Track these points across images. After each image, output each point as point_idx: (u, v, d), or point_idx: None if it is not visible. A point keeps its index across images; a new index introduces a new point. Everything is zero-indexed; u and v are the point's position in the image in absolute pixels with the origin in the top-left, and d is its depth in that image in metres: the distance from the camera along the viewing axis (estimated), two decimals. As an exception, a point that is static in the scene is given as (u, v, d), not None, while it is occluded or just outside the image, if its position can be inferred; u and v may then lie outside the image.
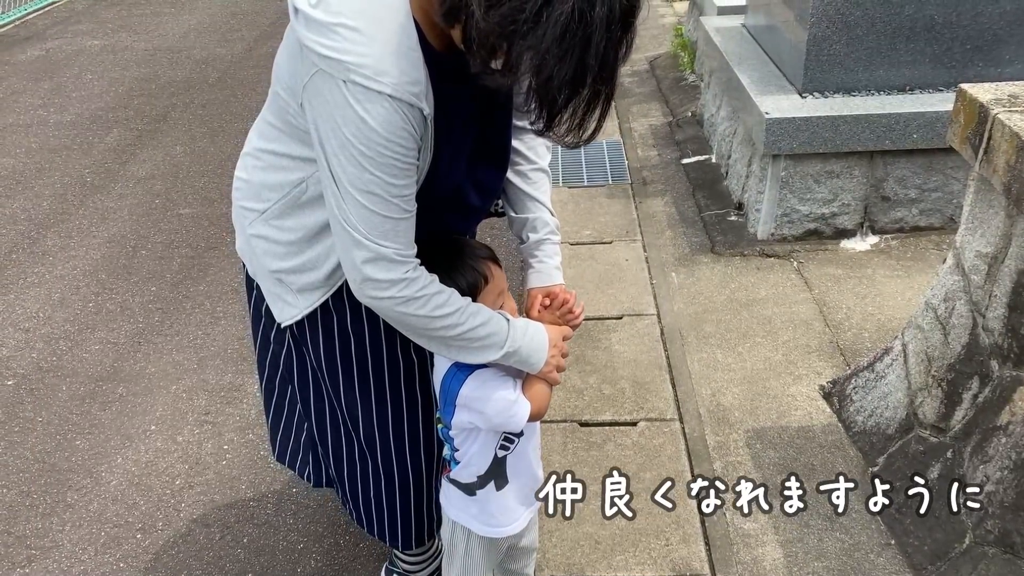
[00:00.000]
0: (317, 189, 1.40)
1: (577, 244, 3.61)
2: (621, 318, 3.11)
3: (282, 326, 1.60)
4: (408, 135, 1.24)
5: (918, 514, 2.03)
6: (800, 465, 2.36)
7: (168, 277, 3.58)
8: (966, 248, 2.09)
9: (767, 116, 3.19)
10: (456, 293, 1.41)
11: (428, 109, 1.26)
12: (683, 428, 2.55)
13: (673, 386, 2.73)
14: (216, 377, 2.93)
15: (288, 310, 1.57)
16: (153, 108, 5.49)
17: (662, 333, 3.00)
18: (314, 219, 1.45)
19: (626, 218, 3.83)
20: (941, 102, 3.16)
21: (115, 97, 5.72)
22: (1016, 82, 2.05)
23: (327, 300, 1.53)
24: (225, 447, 2.60)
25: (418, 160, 1.30)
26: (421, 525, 1.83)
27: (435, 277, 1.39)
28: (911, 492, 2.09)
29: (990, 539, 1.83)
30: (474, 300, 1.46)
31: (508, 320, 1.47)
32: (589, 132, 1.22)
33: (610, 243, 3.63)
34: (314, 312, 1.56)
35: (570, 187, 4.13)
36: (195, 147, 4.86)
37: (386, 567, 2.04)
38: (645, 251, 3.55)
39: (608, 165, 4.36)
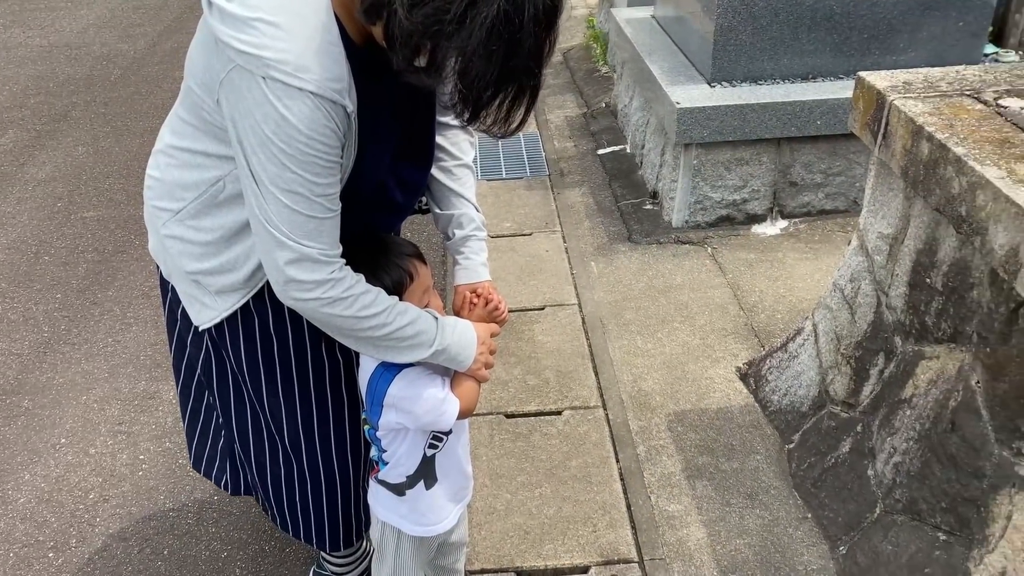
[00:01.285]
0: (235, 187, 1.36)
1: (498, 237, 3.62)
2: (543, 309, 3.13)
3: (200, 329, 1.56)
4: (331, 132, 1.22)
5: (832, 487, 2.12)
6: (720, 445, 2.42)
7: (74, 283, 3.43)
8: (869, 230, 2.17)
9: (678, 106, 3.25)
10: (383, 292, 1.40)
11: (351, 106, 1.24)
12: (607, 415, 2.59)
13: (596, 374, 2.77)
14: (129, 385, 2.83)
15: (206, 312, 1.53)
16: (51, 107, 5.25)
17: (584, 322, 3.04)
18: (232, 218, 1.41)
19: (545, 209, 3.85)
20: (842, 89, 3.28)
21: (9, 96, 5.44)
22: (910, 70, 2.14)
23: (248, 301, 1.50)
24: (141, 457, 2.52)
25: (342, 158, 1.28)
26: (349, 526, 1.81)
27: (361, 277, 1.37)
28: (825, 466, 2.18)
29: (898, 507, 1.92)
30: (400, 298, 1.45)
31: (436, 318, 1.46)
32: (516, 124, 1.23)
33: (530, 235, 3.65)
34: (234, 314, 1.52)
35: (489, 180, 4.13)
36: (99, 147, 4.67)
37: (314, 570, 2.01)
38: (565, 242, 3.58)
39: (526, 157, 4.39)
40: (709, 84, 3.42)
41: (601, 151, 4.39)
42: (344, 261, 1.35)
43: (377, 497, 1.65)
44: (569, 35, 6.13)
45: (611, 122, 4.67)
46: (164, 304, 1.68)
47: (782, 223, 3.50)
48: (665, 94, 3.40)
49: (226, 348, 1.59)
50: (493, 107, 1.18)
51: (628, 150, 4.31)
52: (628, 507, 2.25)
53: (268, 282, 1.46)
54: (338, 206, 1.31)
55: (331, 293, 1.32)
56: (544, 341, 2.94)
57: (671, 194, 3.55)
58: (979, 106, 1.90)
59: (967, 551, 1.72)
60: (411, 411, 1.48)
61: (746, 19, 3.28)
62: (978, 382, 1.72)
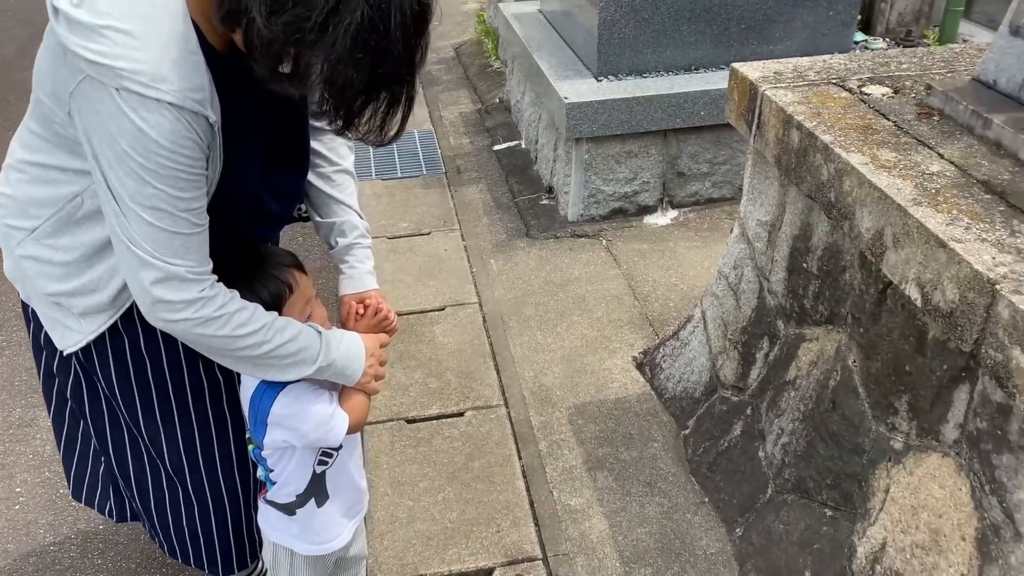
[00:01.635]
0: (94, 203, 1.29)
1: (395, 238, 3.57)
2: (443, 309, 3.11)
3: (65, 353, 1.47)
4: (193, 144, 1.17)
5: (726, 470, 2.17)
6: (619, 436, 2.45)
7: (-61, 308, 3.21)
8: (749, 217, 2.23)
9: (566, 101, 3.27)
10: (260, 309, 1.34)
11: (214, 116, 1.19)
12: (509, 412, 2.58)
13: (498, 372, 2.76)
14: (3, 413, 2.66)
15: (70, 336, 1.44)
16: (-91, 119, 4.89)
17: (484, 320, 3.03)
18: (93, 236, 1.33)
19: (443, 208, 3.82)
20: (723, 80, 3.35)
21: None
22: (781, 60, 2.20)
23: (116, 322, 1.42)
24: (18, 489, 2.37)
25: (207, 170, 1.23)
26: (242, 548, 1.75)
27: (235, 294, 1.32)
28: (719, 450, 2.23)
29: (788, 487, 1.98)
30: (279, 311, 1.40)
31: (320, 332, 1.41)
32: (392, 133, 1.21)
33: (428, 234, 3.62)
34: (101, 336, 1.44)
35: (384, 180, 4.07)
36: (-37, 161, 4.37)
37: (208, 596, 1.94)
38: (463, 240, 3.56)
39: (421, 155, 4.34)
40: (596, 78, 3.45)
41: (497, 147, 4.39)
42: (215, 278, 1.29)
43: (267, 518, 1.60)
44: (461, 30, 6.10)
45: (505, 117, 4.67)
46: (28, 329, 1.58)
47: (672, 213, 3.57)
48: (554, 89, 3.42)
49: (96, 372, 1.51)
50: (365, 116, 1.16)
51: (523, 145, 4.32)
52: (531, 504, 2.25)
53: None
54: (205, 220, 1.26)
55: (202, 312, 1.26)
56: (445, 342, 2.91)
57: (565, 188, 3.58)
58: (844, 94, 1.97)
59: (851, 525, 1.78)
60: (297, 429, 1.44)
61: (628, 12, 3.33)
62: (854, 361, 1.79)
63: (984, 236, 1.40)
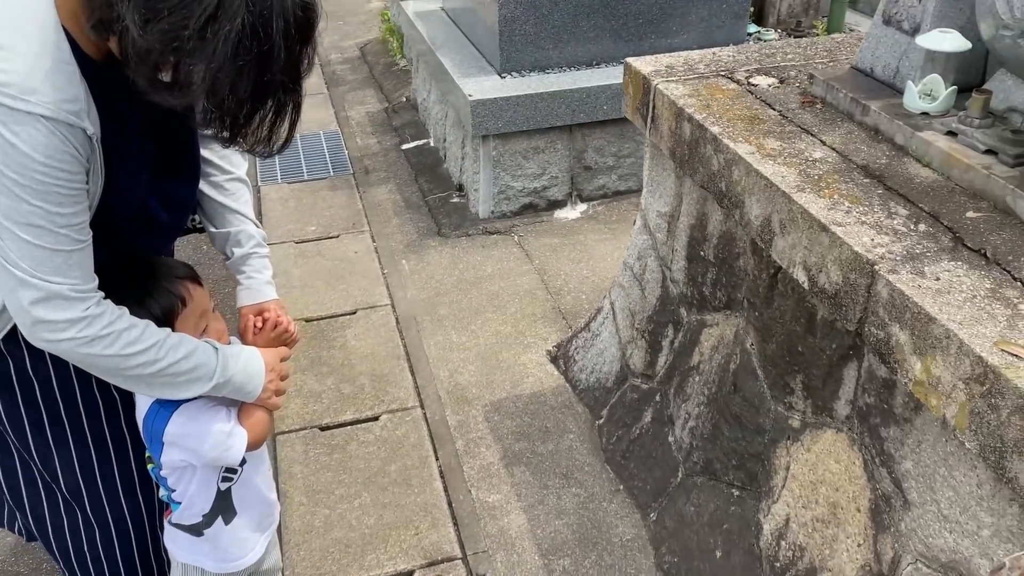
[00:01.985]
0: None
1: (303, 242, 3.50)
2: (355, 313, 3.07)
3: None
4: (71, 158, 1.12)
5: (639, 457, 2.21)
6: (535, 429, 2.47)
7: None
8: (649, 209, 2.28)
9: (471, 98, 3.27)
10: (152, 325, 1.30)
11: (92, 128, 1.14)
12: (425, 413, 2.57)
13: (412, 373, 2.75)
14: None
15: None
16: None
17: (398, 322, 3.00)
18: None
19: (351, 209, 3.77)
20: (623, 74, 3.41)
21: None
22: (673, 54, 2.25)
23: None
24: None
25: (87, 184, 1.18)
26: (149, 568, 1.69)
27: (124, 311, 1.27)
28: (632, 438, 2.27)
29: (697, 469, 2.03)
30: (172, 325, 1.36)
31: (217, 348, 1.38)
32: (280, 143, 1.18)
33: (337, 237, 3.57)
34: None
35: (289, 183, 3.99)
36: None
37: (115, 622, 1.87)
38: (374, 241, 3.52)
39: (328, 156, 4.27)
40: (500, 75, 3.46)
41: (405, 146, 4.35)
42: (101, 295, 1.25)
43: (174, 539, 1.55)
44: (365, 29, 6.03)
45: (413, 116, 4.64)
46: None
47: (581, 207, 3.61)
48: (458, 87, 3.41)
49: None
50: (252, 126, 1.13)
51: (432, 144, 4.30)
52: (449, 504, 2.25)
53: None
54: (88, 235, 1.21)
55: (88, 332, 1.22)
56: (357, 346, 2.88)
57: (475, 186, 3.58)
58: (732, 85, 2.02)
59: (757, 503, 1.84)
60: (194, 449, 1.40)
61: (528, 8, 3.35)
62: (752, 344, 1.85)
63: (863, 219, 1.46)
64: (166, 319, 1.36)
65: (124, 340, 1.25)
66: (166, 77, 1.08)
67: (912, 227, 1.44)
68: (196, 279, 1.45)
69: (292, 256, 3.38)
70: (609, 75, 3.43)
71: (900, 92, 1.76)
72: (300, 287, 3.18)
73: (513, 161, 3.46)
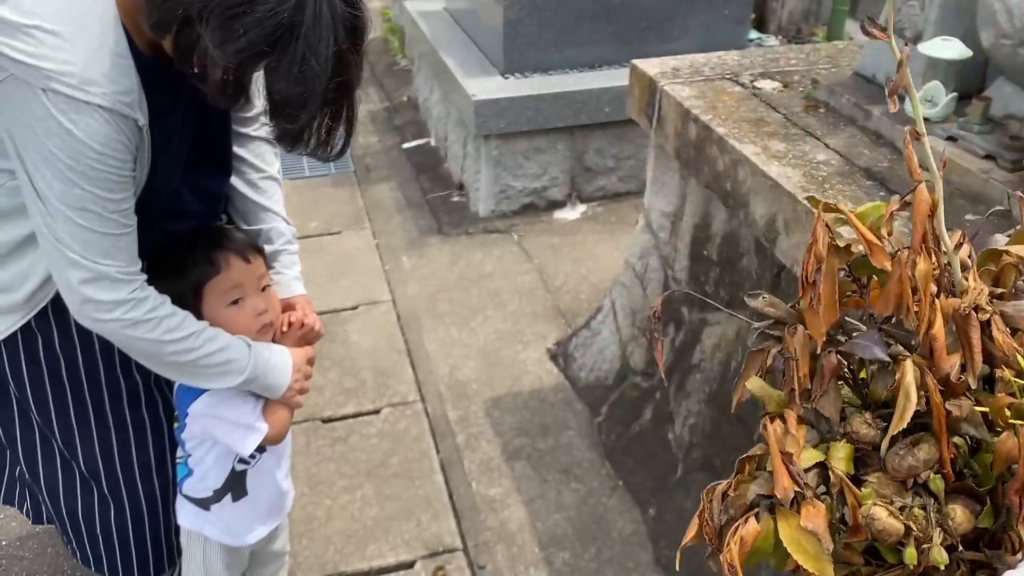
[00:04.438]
0: (9, 201, 1.27)
1: (305, 237, 3.52)
2: (357, 308, 3.09)
3: None
4: (123, 147, 1.17)
5: (638, 454, 2.24)
6: (535, 426, 2.50)
7: None
8: (652, 209, 2.31)
9: (474, 98, 3.30)
10: (191, 316, 1.35)
11: (143, 119, 1.19)
12: (426, 408, 2.60)
13: (413, 368, 2.77)
14: None
15: None
16: None
17: (399, 318, 3.03)
18: (6, 235, 1.31)
19: (353, 206, 3.80)
20: (625, 77, 3.41)
21: None
22: (678, 56, 2.29)
23: (29, 321, 1.39)
24: (-90, 511, 2.25)
25: (134, 171, 1.23)
26: (160, 553, 1.71)
27: (166, 299, 1.32)
28: (631, 435, 2.30)
29: (696, 466, 2.07)
30: (200, 291, 1.40)
31: (250, 345, 1.42)
32: (338, 148, 1.23)
33: (339, 233, 3.59)
34: (13, 336, 1.40)
35: (291, 179, 4.01)
36: None
37: (121, 605, 1.89)
38: (375, 238, 3.55)
39: (329, 155, 4.30)
40: (503, 76, 3.50)
41: (406, 145, 4.38)
42: (145, 278, 1.30)
43: (182, 507, 1.58)
44: (367, 29, 6.06)
45: (414, 115, 4.67)
46: None
47: (581, 207, 3.65)
48: (461, 86, 3.44)
49: (5, 372, 1.47)
50: (313, 130, 1.18)
51: (433, 143, 4.33)
52: (450, 496, 2.27)
53: (51, 300, 1.37)
54: (134, 221, 1.26)
55: (132, 314, 1.27)
56: (359, 341, 2.90)
57: (476, 185, 3.61)
58: (738, 88, 2.06)
59: (755, 498, 1.87)
60: (211, 430, 1.44)
61: (532, 11, 3.38)
62: (753, 343, 1.88)
63: (866, 220, 1.49)
64: (197, 285, 1.39)
65: (165, 326, 1.30)
66: (229, 78, 1.12)
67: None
68: (245, 253, 1.45)
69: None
70: (611, 78, 3.46)
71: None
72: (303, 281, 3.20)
73: (514, 161, 3.49)
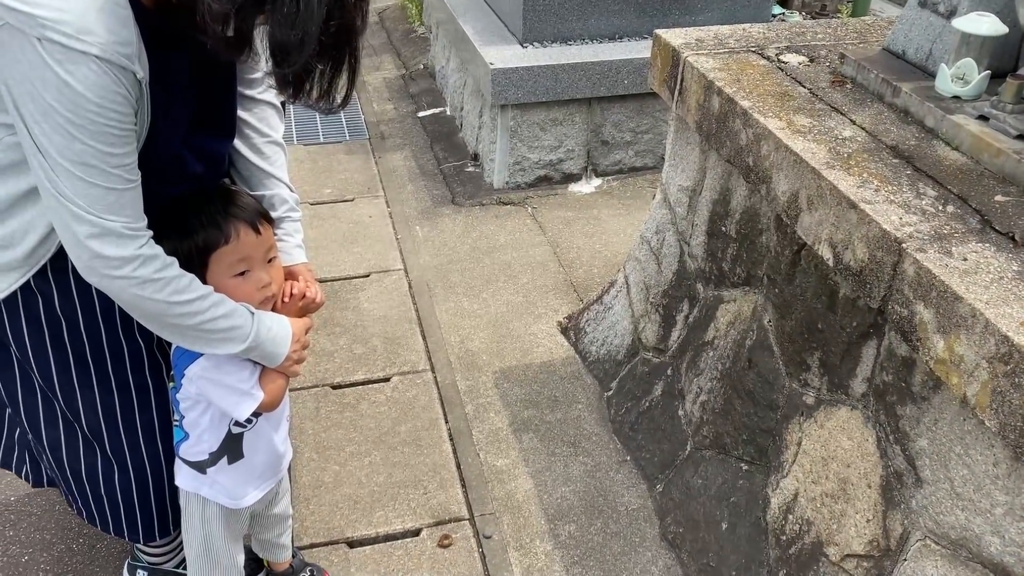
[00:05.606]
0: (8, 156, 1.25)
1: (318, 204, 3.51)
2: (368, 276, 3.08)
3: None
4: (123, 99, 1.14)
5: (647, 429, 2.23)
6: (544, 398, 2.49)
7: None
8: (670, 183, 2.28)
9: (492, 67, 3.26)
10: (197, 280, 1.34)
11: (142, 72, 1.16)
12: (435, 377, 2.59)
13: (424, 337, 2.76)
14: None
15: None
16: None
17: (410, 287, 3.02)
18: (5, 190, 1.29)
19: (367, 174, 3.78)
20: (646, 49, 3.40)
21: None
22: (702, 27, 2.24)
23: (28, 280, 1.37)
24: (-79, 463, 2.26)
25: (135, 126, 1.20)
26: (164, 514, 1.72)
27: (174, 261, 1.31)
28: (641, 410, 2.29)
29: (706, 443, 2.05)
30: (208, 258, 1.38)
31: (252, 313, 1.41)
32: (340, 97, 1.22)
33: (352, 200, 3.57)
34: (13, 295, 1.39)
35: (306, 144, 3.99)
36: None
37: (128, 563, 1.90)
38: (388, 206, 3.53)
39: (344, 121, 4.26)
40: (521, 45, 3.45)
41: (422, 113, 4.34)
42: (151, 234, 1.28)
43: (179, 470, 1.58)
44: (384, -5, 6.00)
45: (430, 84, 4.63)
46: None
47: (596, 181, 3.61)
48: (479, 55, 3.40)
49: (6, 333, 1.46)
50: (314, 80, 1.16)
51: (448, 112, 4.29)
52: (458, 466, 2.27)
53: (51, 259, 1.35)
54: (138, 176, 1.24)
55: (141, 272, 1.26)
56: (370, 308, 2.89)
57: (491, 156, 3.58)
58: (763, 62, 2.02)
59: (766, 478, 1.86)
60: (206, 393, 1.43)
61: (553, -21, 3.33)
62: (769, 321, 1.86)
63: (892, 198, 1.46)
64: (204, 250, 1.37)
65: (172, 288, 1.29)
66: (230, 32, 1.10)
67: (940, 208, 1.44)
68: (256, 222, 1.43)
69: (307, 217, 3.38)
70: (631, 49, 3.41)
71: (932, 75, 1.76)
72: (315, 248, 3.19)
73: (530, 132, 3.45)
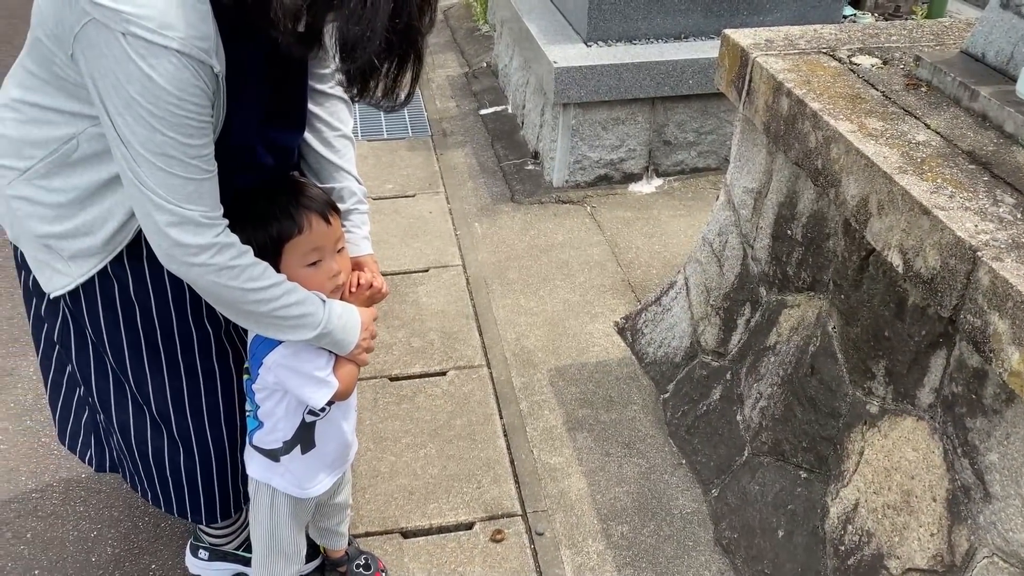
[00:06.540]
0: (91, 147, 1.30)
1: (380, 199, 3.56)
2: (427, 271, 3.11)
3: (52, 296, 1.47)
4: (201, 92, 1.18)
5: (704, 433, 2.21)
6: (599, 398, 2.49)
7: (-85, 256, 3.16)
8: (735, 185, 2.25)
9: (555, 65, 3.26)
10: (271, 268, 1.37)
11: (219, 66, 1.20)
12: (491, 373, 2.61)
13: (480, 333, 2.78)
14: (-17, 363, 2.64)
15: (58, 279, 1.44)
16: None
17: (468, 283, 3.04)
18: (88, 179, 1.34)
19: (428, 170, 3.81)
20: (712, 49, 3.36)
21: None
22: (772, 28, 2.21)
23: (106, 266, 1.43)
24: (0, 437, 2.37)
25: (212, 118, 1.24)
26: (227, 498, 1.76)
27: (249, 249, 1.34)
28: (698, 414, 2.27)
29: (764, 449, 2.02)
30: (281, 249, 1.41)
31: (324, 301, 1.44)
32: (403, 96, 1.24)
33: (413, 196, 3.61)
34: (91, 280, 1.44)
35: (369, 140, 4.05)
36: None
37: (191, 543, 1.95)
38: (448, 203, 3.56)
39: (407, 117, 4.31)
40: (585, 44, 3.44)
41: (483, 111, 4.37)
42: (227, 223, 1.32)
43: (251, 458, 1.62)
44: (449, -7, 6.04)
45: (492, 82, 4.65)
46: (19, 273, 1.58)
47: (657, 181, 3.58)
48: (543, 53, 3.40)
49: (83, 318, 1.51)
50: (380, 77, 1.19)
51: (510, 110, 4.31)
52: (511, 462, 2.28)
53: (128, 245, 1.40)
54: (214, 166, 1.28)
55: (217, 259, 1.29)
56: (428, 303, 2.92)
57: (551, 154, 3.58)
58: (834, 63, 1.98)
59: (825, 486, 1.83)
60: (285, 381, 1.46)
61: (620, -22, 3.31)
62: (834, 327, 1.82)
63: (967, 204, 1.43)
64: (278, 241, 1.40)
65: (247, 275, 1.33)
66: (301, 28, 1.14)
67: (1019, 216, 1.40)
68: (326, 214, 1.46)
69: (369, 212, 3.42)
70: (697, 49, 3.38)
71: (1013, 79, 1.71)
72: (376, 242, 3.17)
73: (592, 131, 3.44)
